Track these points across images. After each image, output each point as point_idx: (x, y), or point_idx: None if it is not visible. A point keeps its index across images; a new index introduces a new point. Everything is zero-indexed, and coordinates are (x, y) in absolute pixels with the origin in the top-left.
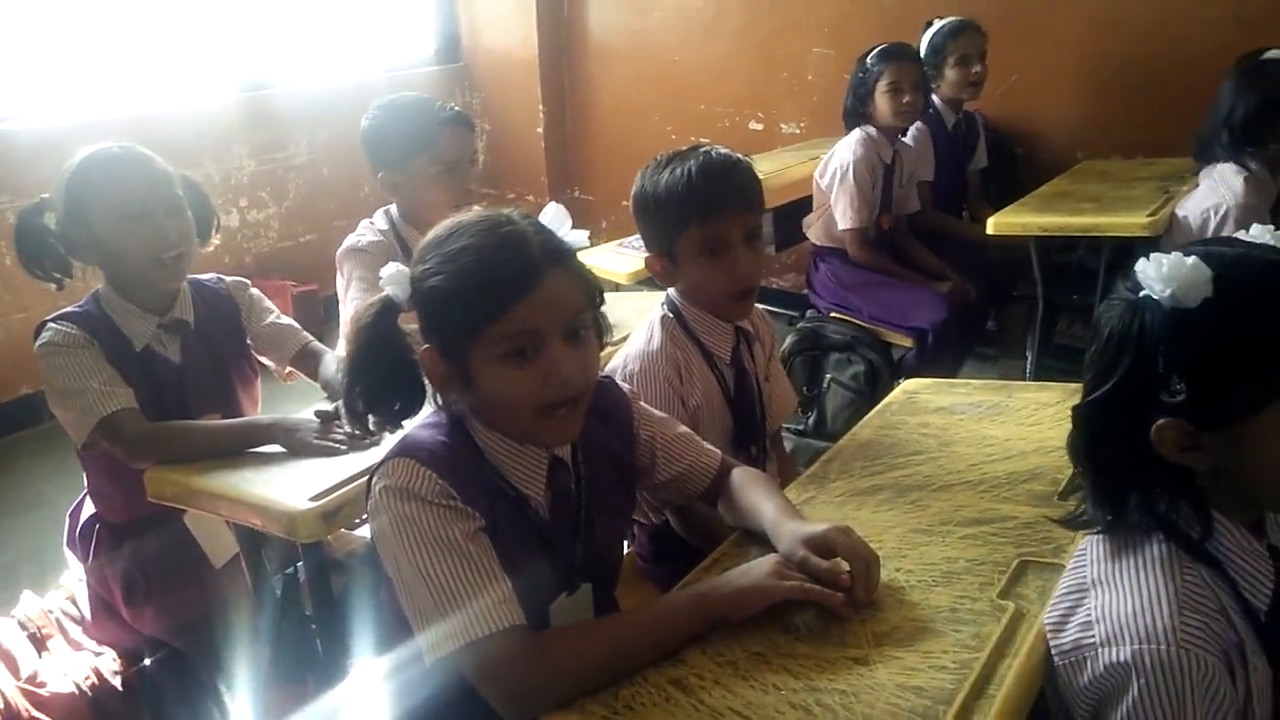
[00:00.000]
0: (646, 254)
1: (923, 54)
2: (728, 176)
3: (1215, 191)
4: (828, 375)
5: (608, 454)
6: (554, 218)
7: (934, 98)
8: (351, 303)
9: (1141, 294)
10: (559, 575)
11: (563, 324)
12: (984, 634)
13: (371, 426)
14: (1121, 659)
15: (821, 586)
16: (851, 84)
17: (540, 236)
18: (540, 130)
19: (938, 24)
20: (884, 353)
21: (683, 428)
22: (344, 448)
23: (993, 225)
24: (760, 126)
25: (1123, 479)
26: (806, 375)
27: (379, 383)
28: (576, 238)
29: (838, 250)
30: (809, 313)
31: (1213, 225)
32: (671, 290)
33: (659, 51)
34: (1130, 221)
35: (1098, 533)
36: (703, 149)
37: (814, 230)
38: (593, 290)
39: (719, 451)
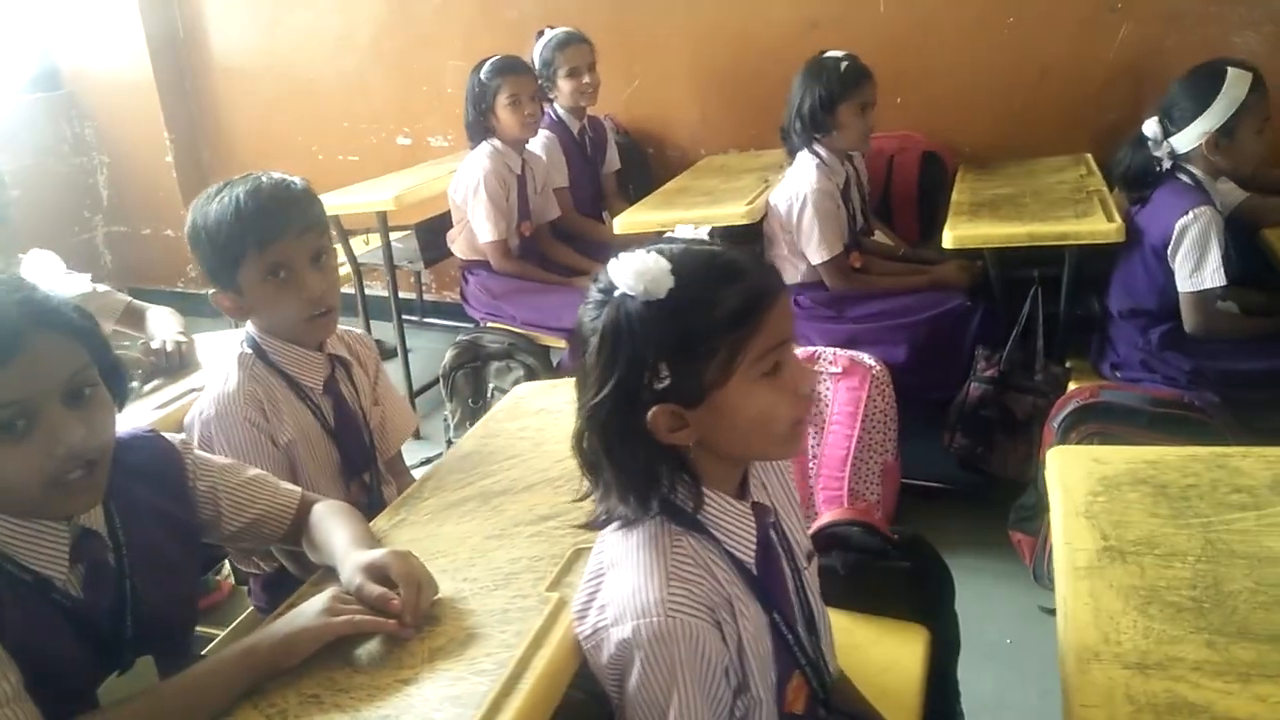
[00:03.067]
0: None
1: (536, 65)
2: (281, 199)
3: (796, 179)
4: (491, 384)
5: (156, 513)
6: (40, 267)
7: (557, 107)
8: None
9: (617, 293)
10: (103, 654)
11: (60, 388)
12: (526, 629)
13: None
14: (625, 635)
15: (376, 614)
16: (470, 98)
17: (17, 295)
18: (170, 159)
19: (548, 34)
20: (542, 356)
21: (253, 471)
22: None
23: (619, 226)
24: (409, 141)
25: (638, 470)
26: (471, 387)
27: None
28: (73, 284)
29: (484, 262)
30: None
31: (795, 209)
32: (249, 324)
33: (292, 69)
34: (732, 212)
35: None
36: (253, 175)
37: (458, 245)
38: (95, 343)
39: (298, 489)
